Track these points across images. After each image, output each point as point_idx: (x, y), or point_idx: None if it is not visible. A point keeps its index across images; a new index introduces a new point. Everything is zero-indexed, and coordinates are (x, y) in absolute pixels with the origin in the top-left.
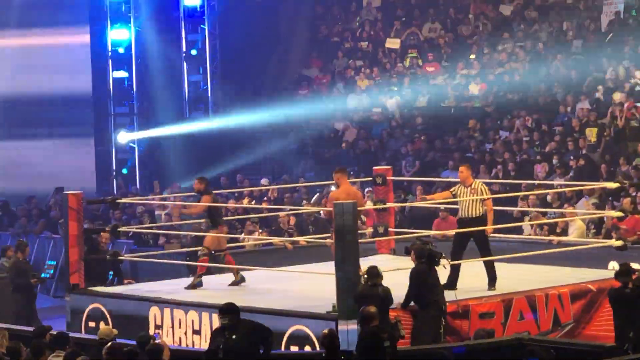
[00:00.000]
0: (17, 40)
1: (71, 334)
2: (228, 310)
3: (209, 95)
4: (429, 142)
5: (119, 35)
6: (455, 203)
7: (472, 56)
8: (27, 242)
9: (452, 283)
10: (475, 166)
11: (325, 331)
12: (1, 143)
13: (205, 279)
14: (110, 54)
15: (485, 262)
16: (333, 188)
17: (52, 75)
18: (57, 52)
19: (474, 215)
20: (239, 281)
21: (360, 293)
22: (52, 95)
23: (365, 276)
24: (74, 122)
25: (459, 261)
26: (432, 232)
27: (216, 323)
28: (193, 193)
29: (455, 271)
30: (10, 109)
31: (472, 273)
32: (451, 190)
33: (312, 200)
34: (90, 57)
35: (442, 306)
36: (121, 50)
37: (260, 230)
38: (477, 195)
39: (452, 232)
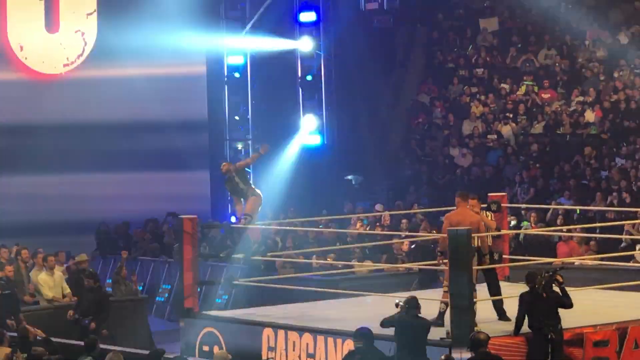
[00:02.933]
0: (135, 70)
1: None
2: (363, 335)
3: (324, 121)
4: (545, 169)
5: (234, 60)
6: None
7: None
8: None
9: (500, 313)
10: (591, 193)
11: (443, 357)
12: (123, 173)
13: (321, 303)
14: (226, 79)
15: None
16: None
17: (170, 103)
18: (174, 80)
19: (477, 245)
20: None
21: (403, 321)
22: (170, 123)
23: (406, 306)
24: (190, 149)
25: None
26: (546, 259)
27: (331, 347)
28: (313, 218)
29: (497, 301)
30: (128, 136)
31: (587, 301)
32: None
33: None
34: (207, 84)
35: (549, 334)
36: (237, 75)
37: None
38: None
39: (571, 260)
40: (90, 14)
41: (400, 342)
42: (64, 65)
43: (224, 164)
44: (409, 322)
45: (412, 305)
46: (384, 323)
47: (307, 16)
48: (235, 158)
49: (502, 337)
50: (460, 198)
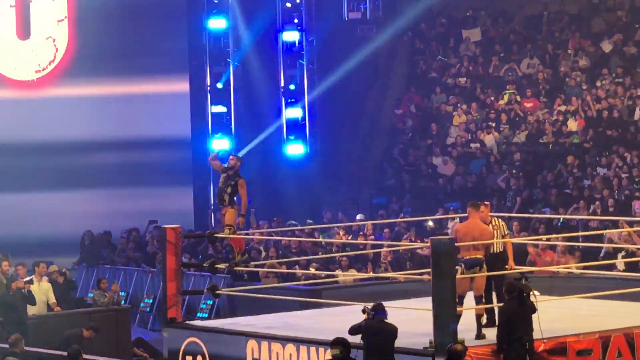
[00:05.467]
0: (119, 88)
1: None
2: (340, 342)
3: (307, 130)
4: (527, 178)
5: (217, 70)
6: None
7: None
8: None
9: (492, 321)
10: (574, 202)
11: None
12: (105, 188)
13: (302, 313)
14: (209, 89)
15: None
16: (430, 223)
17: (153, 120)
18: (157, 97)
19: (496, 251)
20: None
21: (370, 327)
22: (153, 139)
23: (373, 312)
24: (174, 162)
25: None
26: (527, 269)
27: (314, 357)
28: (294, 228)
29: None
30: (113, 154)
31: (570, 310)
32: None
33: None
34: (189, 95)
35: (525, 343)
36: (219, 85)
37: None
38: (499, 231)
39: (549, 269)
40: (61, 20)
41: (368, 348)
42: (36, 72)
43: (235, 157)
44: (376, 328)
45: (379, 310)
46: (351, 330)
47: (290, 27)
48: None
49: (482, 347)
50: (472, 208)
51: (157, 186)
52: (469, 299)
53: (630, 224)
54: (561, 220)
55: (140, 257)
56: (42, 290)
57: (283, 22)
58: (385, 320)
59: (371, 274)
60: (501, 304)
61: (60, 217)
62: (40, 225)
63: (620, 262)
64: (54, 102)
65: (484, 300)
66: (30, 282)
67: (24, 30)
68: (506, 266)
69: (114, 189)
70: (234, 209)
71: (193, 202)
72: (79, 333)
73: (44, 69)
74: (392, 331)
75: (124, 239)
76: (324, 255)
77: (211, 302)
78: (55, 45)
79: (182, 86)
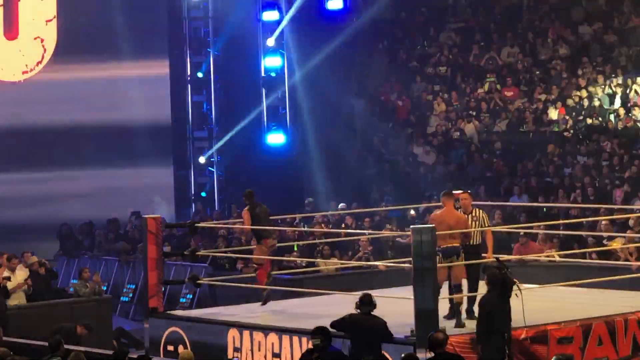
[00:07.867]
0: (99, 71)
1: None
2: (320, 332)
3: (287, 118)
4: (508, 167)
5: (197, 60)
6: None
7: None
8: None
9: (472, 311)
10: (554, 191)
11: (403, 355)
12: (87, 170)
13: (286, 302)
14: (189, 78)
15: (470, 289)
16: (412, 212)
17: (133, 104)
18: (137, 81)
19: (474, 243)
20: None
21: (355, 320)
22: (133, 123)
23: (359, 303)
24: (154, 149)
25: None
26: (509, 257)
27: (296, 346)
28: (277, 216)
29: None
30: (93, 137)
31: (551, 298)
32: None
33: None
34: (169, 83)
35: (504, 334)
36: (200, 74)
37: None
38: (478, 223)
39: (530, 257)
40: (50, 20)
41: (353, 341)
42: (23, 73)
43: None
44: (361, 320)
45: (365, 302)
46: (334, 325)
47: (270, 15)
48: (198, 157)
49: (463, 336)
50: (446, 197)
51: (138, 168)
52: (445, 288)
53: (611, 212)
54: (545, 209)
55: (124, 248)
56: (18, 282)
57: (263, 9)
58: (372, 313)
59: (353, 263)
60: (476, 294)
61: (37, 200)
62: (17, 207)
63: (599, 250)
64: (35, 86)
65: (462, 288)
66: (8, 278)
67: (11, 29)
68: (483, 255)
69: (94, 171)
70: (261, 244)
71: (174, 191)
72: (72, 329)
73: (31, 70)
74: (378, 325)
75: (103, 230)
76: (306, 242)
77: (192, 292)
78: (43, 46)
79: (163, 74)
